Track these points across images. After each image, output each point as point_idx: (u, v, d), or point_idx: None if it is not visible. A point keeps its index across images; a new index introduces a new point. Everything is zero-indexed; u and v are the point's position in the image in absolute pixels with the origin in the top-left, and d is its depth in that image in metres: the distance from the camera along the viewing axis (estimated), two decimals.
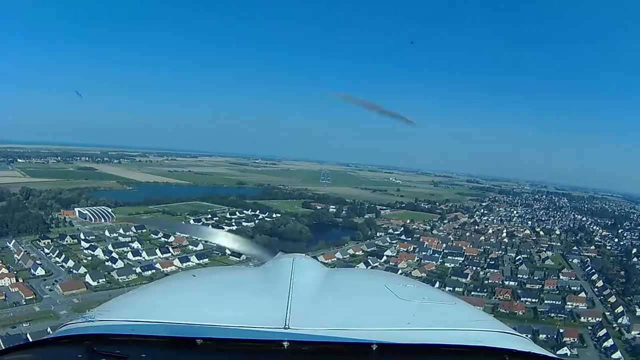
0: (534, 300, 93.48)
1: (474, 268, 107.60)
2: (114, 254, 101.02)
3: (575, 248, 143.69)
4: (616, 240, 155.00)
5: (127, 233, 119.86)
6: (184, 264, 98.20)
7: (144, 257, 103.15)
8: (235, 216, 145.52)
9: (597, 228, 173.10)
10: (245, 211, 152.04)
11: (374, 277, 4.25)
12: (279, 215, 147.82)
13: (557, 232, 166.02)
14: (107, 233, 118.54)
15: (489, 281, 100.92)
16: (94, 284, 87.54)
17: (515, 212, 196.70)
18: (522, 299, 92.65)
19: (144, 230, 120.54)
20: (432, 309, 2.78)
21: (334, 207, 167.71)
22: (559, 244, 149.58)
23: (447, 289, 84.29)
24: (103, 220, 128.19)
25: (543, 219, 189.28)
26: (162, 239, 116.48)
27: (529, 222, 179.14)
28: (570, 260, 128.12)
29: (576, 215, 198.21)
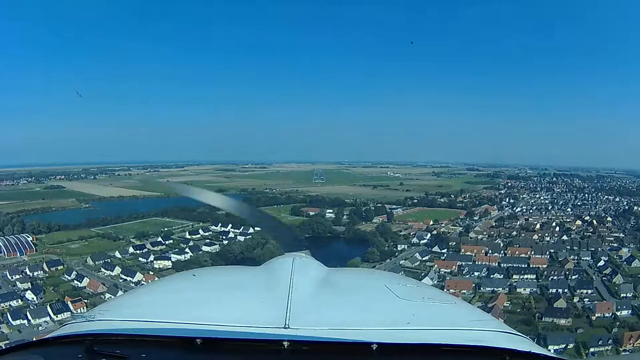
0: None
1: (560, 291, 70.52)
2: None
3: None
4: None
5: (35, 274, 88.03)
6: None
7: (26, 322, 69.80)
8: (198, 235, 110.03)
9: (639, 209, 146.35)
10: (213, 226, 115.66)
11: (374, 277, 4.07)
12: (258, 230, 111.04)
13: (609, 219, 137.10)
14: (8, 275, 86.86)
15: (597, 316, 63.99)
16: None
17: (542, 198, 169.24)
18: None
19: (58, 268, 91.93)
20: (432, 309, 2.71)
21: (331, 211, 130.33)
22: (622, 235, 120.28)
23: (551, 347, 47.67)
24: (18, 254, 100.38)
25: (578, 203, 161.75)
26: (75, 281, 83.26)
27: (569, 210, 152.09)
28: None
29: (607, 197, 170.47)
